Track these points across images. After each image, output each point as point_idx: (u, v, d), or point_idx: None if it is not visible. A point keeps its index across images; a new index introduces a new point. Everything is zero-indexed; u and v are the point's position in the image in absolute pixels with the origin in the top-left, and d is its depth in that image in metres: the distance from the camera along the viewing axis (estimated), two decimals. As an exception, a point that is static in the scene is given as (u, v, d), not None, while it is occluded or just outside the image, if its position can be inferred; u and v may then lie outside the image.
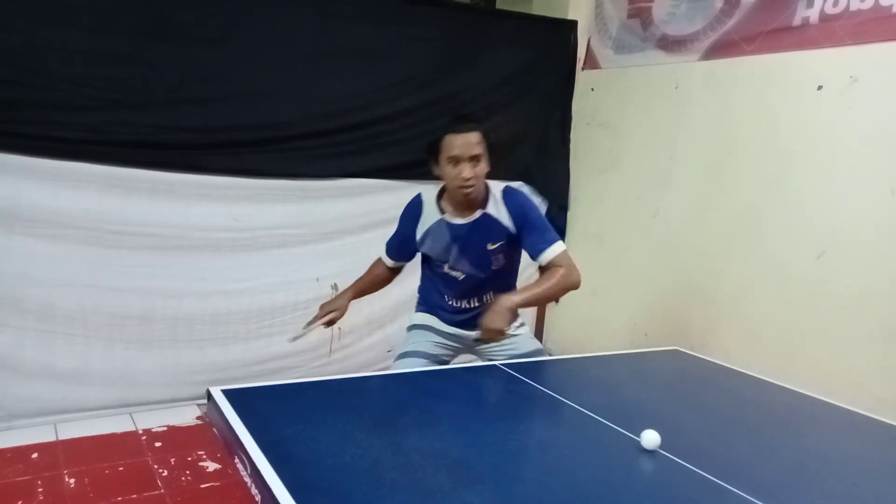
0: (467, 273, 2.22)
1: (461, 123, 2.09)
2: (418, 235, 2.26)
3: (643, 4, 3.39)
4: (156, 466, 2.51)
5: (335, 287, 3.32)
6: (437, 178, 2.20)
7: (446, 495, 1.30)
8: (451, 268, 2.24)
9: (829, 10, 2.57)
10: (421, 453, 1.47)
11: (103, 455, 2.56)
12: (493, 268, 2.20)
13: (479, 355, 2.39)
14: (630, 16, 3.47)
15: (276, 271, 3.17)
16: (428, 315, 2.38)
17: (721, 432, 1.77)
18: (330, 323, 2.30)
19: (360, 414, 1.68)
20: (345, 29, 3.11)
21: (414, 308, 2.48)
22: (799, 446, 1.73)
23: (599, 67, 3.69)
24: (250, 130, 2.98)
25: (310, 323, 2.28)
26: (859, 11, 2.48)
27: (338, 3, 3.09)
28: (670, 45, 3.25)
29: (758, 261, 2.84)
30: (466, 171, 2.05)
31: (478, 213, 2.17)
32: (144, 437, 2.75)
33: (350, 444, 1.47)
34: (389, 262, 2.42)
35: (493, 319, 2.03)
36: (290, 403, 1.73)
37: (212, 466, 2.53)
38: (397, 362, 2.28)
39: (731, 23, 2.94)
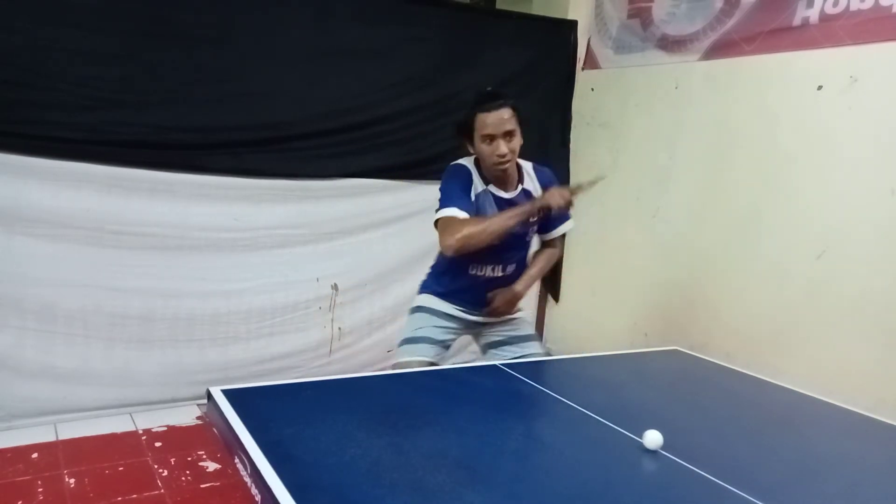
0: (508, 245, 2.23)
1: (491, 100, 2.10)
2: (472, 199, 2.21)
3: (643, 4, 3.39)
4: (156, 466, 2.50)
5: (335, 287, 3.32)
6: (467, 154, 2.25)
7: (446, 495, 1.30)
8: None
9: (829, 9, 2.56)
10: (421, 453, 1.47)
11: (103, 455, 2.56)
12: (528, 239, 2.34)
13: (478, 337, 2.46)
14: (630, 16, 3.47)
15: (276, 271, 3.17)
16: (430, 296, 2.40)
17: (721, 432, 1.77)
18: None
19: (360, 414, 1.68)
20: (345, 29, 3.11)
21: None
22: (799, 446, 1.74)
23: (599, 67, 3.69)
24: (250, 130, 2.98)
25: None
26: (859, 11, 2.48)
27: (337, 3, 3.09)
28: (670, 45, 3.25)
29: (758, 261, 2.84)
30: (502, 147, 2.09)
31: (519, 188, 2.24)
32: (144, 437, 2.75)
33: (350, 444, 1.47)
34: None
35: (507, 305, 2.31)
36: (290, 403, 1.73)
37: (212, 466, 2.53)
38: (402, 348, 2.30)
39: (731, 23, 2.94)
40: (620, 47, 3.54)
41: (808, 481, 1.53)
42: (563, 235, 2.46)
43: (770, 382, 2.20)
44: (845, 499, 1.47)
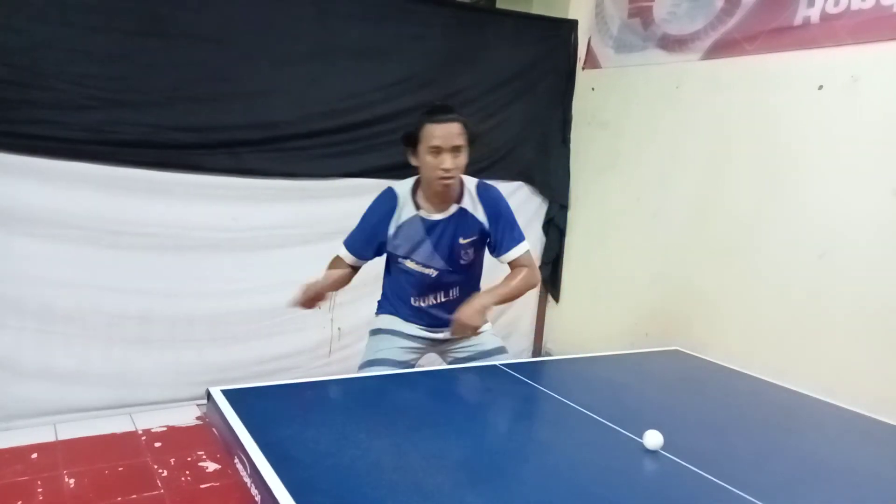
0: (437, 269, 2.19)
1: (442, 113, 2.05)
2: (391, 231, 2.18)
3: (644, 4, 3.39)
4: (155, 467, 2.50)
5: (335, 287, 3.32)
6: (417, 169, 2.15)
7: (446, 496, 1.30)
8: (421, 264, 2.19)
9: (830, 9, 2.56)
10: (421, 454, 1.47)
11: (103, 455, 2.56)
12: (462, 262, 2.19)
13: (443, 354, 2.37)
14: (631, 15, 3.47)
15: (275, 271, 3.16)
16: (391, 317, 2.31)
17: (721, 432, 1.77)
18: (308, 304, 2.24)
19: (359, 414, 1.68)
20: (344, 28, 3.11)
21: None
22: (799, 446, 1.73)
23: (600, 67, 3.69)
24: (250, 130, 2.98)
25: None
26: (860, 11, 2.47)
27: (337, 3, 3.09)
28: (671, 44, 3.25)
29: (758, 261, 2.84)
30: (447, 161, 2.02)
31: (454, 208, 2.16)
32: (144, 438, 2.75)
33: (350, 445, 1.47)
34: (350, 260, 2.28)
35: (470, 317, 2.07)
36: (290, 403, 1.72)
37: (211, 467, 2.52)
38: (363, 370, 2.21)
39: (732, 22, 2.94)
40: (621, 47, 3.54)
41: (809, 481, 1.53)
42: (531, 258, 2.23)
43: (770, 382, 2.20)
44: (845, 499, 1.46)
